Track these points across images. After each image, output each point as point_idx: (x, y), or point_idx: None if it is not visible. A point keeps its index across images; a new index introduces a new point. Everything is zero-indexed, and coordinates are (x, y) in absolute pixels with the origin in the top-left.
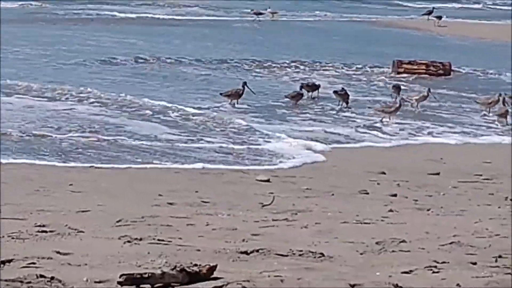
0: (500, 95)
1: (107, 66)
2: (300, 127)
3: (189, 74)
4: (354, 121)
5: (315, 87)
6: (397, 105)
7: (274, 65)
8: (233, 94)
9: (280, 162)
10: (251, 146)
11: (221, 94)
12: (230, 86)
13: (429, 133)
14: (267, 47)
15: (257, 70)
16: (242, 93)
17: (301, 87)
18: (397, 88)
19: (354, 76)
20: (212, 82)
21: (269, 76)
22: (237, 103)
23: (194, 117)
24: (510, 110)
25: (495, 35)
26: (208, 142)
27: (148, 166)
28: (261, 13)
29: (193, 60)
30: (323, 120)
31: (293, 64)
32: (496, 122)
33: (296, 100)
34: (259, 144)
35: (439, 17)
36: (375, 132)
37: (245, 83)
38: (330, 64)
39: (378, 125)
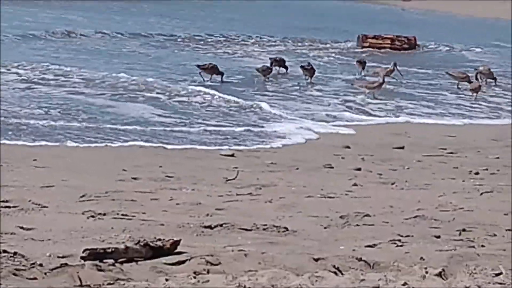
0: (475, 69)
1: (39, 41)
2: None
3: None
4: (322, 97)
5: (284, 63)
6: (381, 81)
7: (237, 41)
8: (210, 68)
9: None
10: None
11: (198, 66)
12: (178, 63)
13: (399, 110)
14: (220, 23)
15: (221, 46)
16: (217, 70)
17: (272, 63)
18: (361, 63)
19: (317, 51)
20: (161, 58)
21: (228, 51)
22: (211, 79)
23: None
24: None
25: (463, 9)
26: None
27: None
28: None
29: (138, 36)
30: (292, 97)
31: (251, 40)
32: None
33: (266, 74)
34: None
35: None
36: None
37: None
38: (291, 40)
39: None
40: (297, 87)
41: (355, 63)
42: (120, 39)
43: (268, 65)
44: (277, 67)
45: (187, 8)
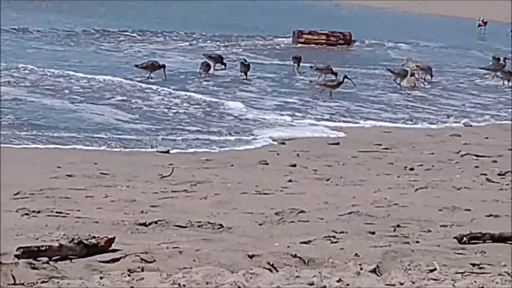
0: (410, 61)
1: None
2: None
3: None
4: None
5: (221, 59)
6: (340, 79)
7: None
8: (149, 66)
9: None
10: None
11: (136, 66)
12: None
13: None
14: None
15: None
16: (157, 66)
17: (209, 58)
18: (297, 59)
19: (254, 47)
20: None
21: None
22: (151, 77)
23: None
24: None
25: (395, 4)
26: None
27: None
28: None
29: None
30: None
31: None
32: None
33: (206, 71)
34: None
35: None
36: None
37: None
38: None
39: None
40: (229, 82)
41: (291, 59)
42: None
43: (208, 61)
44: (213, 63)
45: (120, 5)
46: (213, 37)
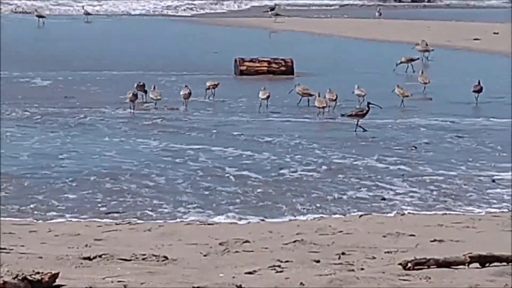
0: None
1: None
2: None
3: None
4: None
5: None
6: (366, 109)
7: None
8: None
9: None
10: None
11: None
12: None
13: None
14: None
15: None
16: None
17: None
18: (141, 86)
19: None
20: None
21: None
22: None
23: None
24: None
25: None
26: None
27: None
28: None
29: None
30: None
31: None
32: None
33: (133, 101)
34: None
35: (275, 13)
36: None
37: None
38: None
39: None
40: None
41: (135, 86)
42: None
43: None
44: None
45: None
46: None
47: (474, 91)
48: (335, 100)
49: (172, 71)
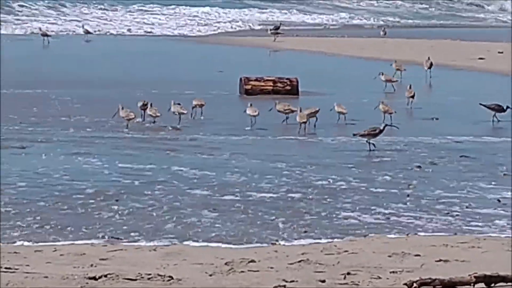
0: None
1: None
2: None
3: None
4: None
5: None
6: (381, 128)
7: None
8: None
9: None
10: None
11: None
12: None
13: None
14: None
15: None
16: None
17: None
18: (145, 105)
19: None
20: None
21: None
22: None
23: None
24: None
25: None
26: None
27: None
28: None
29: None
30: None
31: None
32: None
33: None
34: None
35: (276, 32)
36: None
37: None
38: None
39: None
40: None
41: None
42: None
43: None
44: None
45: None
46: None
47: (493, 110)
48: (345, 114)
49: (172, 89)
